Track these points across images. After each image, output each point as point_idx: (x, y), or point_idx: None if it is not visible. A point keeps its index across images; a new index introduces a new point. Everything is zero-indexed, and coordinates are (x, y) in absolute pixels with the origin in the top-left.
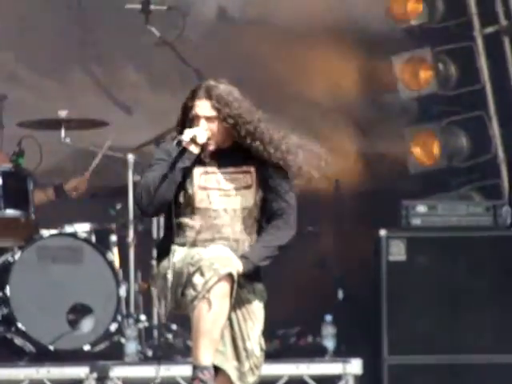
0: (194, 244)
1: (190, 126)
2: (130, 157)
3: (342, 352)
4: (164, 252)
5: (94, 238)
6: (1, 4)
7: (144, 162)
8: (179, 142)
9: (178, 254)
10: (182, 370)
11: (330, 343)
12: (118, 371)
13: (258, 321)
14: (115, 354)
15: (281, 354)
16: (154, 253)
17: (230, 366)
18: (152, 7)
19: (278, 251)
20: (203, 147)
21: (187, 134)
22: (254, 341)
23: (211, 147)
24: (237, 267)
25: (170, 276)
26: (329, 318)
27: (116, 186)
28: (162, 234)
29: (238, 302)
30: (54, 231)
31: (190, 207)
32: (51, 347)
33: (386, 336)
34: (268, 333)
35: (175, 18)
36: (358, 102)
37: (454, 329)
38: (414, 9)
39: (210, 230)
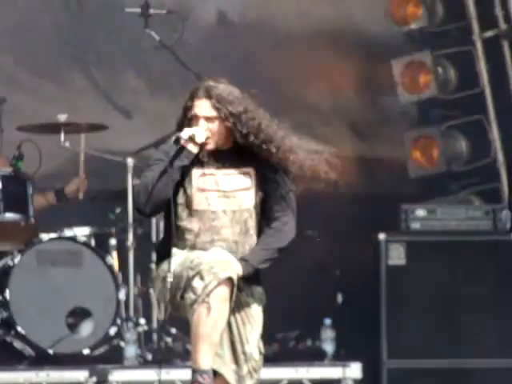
0: (193, 247)
1: (190, 126)
2: (130, 161)
3: (342, 356)
4: (163, 254)
5: (93, 242)
6: (0, 8)
7: (143, 165)
8: (177, 140)
9: (178, 258)
10: (182, 374)
11: (329, 347)
12: (117, 375)
13: (257, 324)
14: (115, 357)
15: (280, 357)
16: (154, 256)
17: (227, 370)
18: (151, 11)
19: (278, 254)
20: (202, 147)
21: (186, 132)
22: (253, 344)
23: (210, 146)
24: (236, 270)
25: (170, 279)
26: (328, 321)
27: (115, 189)
28: (161, 237)
29: (236, 306)
30: (53, 235)
31: (188, 209)
32: (51, 351)
33: (386, 340)
34: (267, 336)
35: (175, 22)
36: (357, 106)
37: (454, 333)
38: (413, 13)
39: (209, 232)
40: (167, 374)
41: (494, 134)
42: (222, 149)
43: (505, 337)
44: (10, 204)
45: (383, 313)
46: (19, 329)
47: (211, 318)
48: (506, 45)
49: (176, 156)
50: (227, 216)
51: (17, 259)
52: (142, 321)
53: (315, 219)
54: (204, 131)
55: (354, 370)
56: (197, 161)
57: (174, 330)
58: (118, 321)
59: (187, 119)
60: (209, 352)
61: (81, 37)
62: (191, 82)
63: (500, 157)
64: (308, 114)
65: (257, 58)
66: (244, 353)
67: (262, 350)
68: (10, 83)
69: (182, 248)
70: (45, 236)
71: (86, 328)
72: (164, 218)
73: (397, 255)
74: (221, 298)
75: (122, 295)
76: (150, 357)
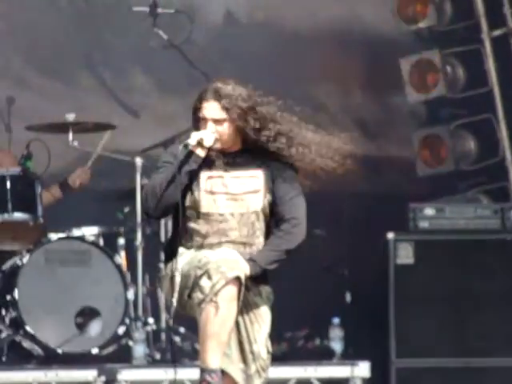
0: (201, 247)
1: (198, 129)
2: (138, 160)
3: (350, 355)
4: (171, 253)
5: (101, 242)
6: (8, 8)
7: (152, 165)
8: (186, 146)
9: (185, 257)
10: (190, 373)
11: (337, 346)
12: (125, 374)
13: (265, 323)
14: (123, 357)
15: (288, 356)
16: (162, 256)
17: (235, 369)
18: (159, 10)
19: (286, 255)
20: (210, 149)
21: (194, 137)
22: (261, 343)
23: (217, 146)
24: (244, 270)
25: (178, 278)
26: (336, 320)
27: (124, 189)
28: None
29: (244, 305)
30: (61, 234)
31: (196, 211)
32: (59, 350)
33: (394, 339)
34: (276, 335)
35: (183, 22)
36: (365, 105)
37: (462, 331)
38: (421, 11)
39: (217, 234)
40: (176, 373)
41: (503, 132)
42: (231, 151)
43: None
44: (19, 203)
45: (392, 312)
46: (28, 328)
47: (219, 317)
48: None
49: (184, 162)
50: (235, 218)
51: (25, 259)
52: (151, 320)
53: (323, 218)
54: (212, 133)
55: (363, 369)
56: (205, 163)
57: (182, 330)
58: (127, 320)
59: (197, 120)
60: (217, 351)
61: (88, 36)
62: (199, 81)
63: (508, 155)
64: (316, 114)
65: (264, 57)
66: (252, 352)
67: (270, 349)
68: (18, 83)
69: (190, 249)
70: (53, 236)
71: (95, 327)
72: (172, 216)
73: (405, 254)
74: (229, 297)
75: (130, 295)
76: (158, 356)
